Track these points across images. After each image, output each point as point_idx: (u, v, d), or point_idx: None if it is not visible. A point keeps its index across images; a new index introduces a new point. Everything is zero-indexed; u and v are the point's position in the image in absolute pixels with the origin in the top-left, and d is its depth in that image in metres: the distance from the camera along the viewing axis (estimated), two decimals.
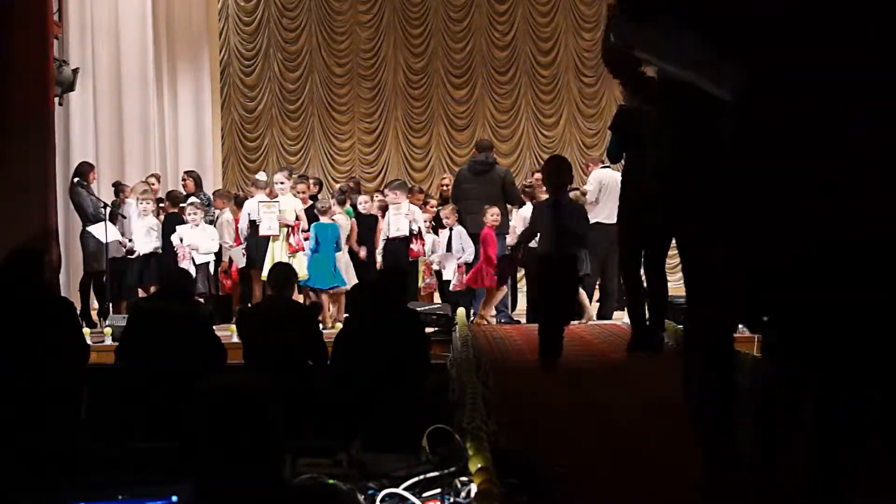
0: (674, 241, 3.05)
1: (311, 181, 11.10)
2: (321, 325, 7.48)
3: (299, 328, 5.79)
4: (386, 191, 10.09)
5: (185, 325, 5.50)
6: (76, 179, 9.85)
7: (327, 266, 9.32)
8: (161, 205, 10.31)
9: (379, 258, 9.33)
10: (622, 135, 6.40)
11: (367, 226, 9.96)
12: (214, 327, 6.18)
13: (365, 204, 9.99)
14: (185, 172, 11.28)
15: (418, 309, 7.31)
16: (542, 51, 16.14)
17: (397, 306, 5.59)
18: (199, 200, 10.18)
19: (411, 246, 9.28)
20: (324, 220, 9.49)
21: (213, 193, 10.95)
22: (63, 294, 9.61)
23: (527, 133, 16.13)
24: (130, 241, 9.71)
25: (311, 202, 10.13)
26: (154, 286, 9.18)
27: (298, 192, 9.93)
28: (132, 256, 9.64)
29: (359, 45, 16.07)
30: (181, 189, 10.81)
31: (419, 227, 9.35)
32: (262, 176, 10.08)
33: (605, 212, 8.84)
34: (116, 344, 6.16)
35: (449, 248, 9.54)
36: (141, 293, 9.48)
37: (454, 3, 16.08)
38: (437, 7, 16.09)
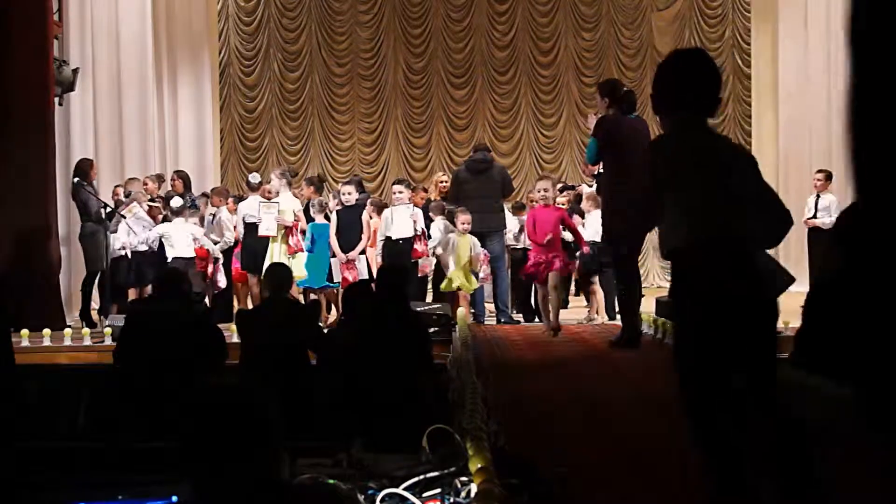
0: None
1: (322, 184, 10.93)
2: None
3: (302, 327, 5.78)
4: (394, 188, 9.85)
5: (182, 323, 5.50)
6: (76, 179, 9.82)
7: (321, 266, 9.32)
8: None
9: (379, 258, 9.29)
10: (604, 143, 6.90)
11: (347, 218, 9.45)
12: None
13: (347, 195, 9.46)
14: (175, 172, 11.21)
15: (418, 309, 7.30)
16: (542, 51, 16.15)
17: (397, 305, 5.57)
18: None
19: (415, 246, 9.24)
20: (319, 219, 9.48)
21: (211, 191, 10.93)
22: (63, 294, 9.67)
23: (527, 133, 16.14)
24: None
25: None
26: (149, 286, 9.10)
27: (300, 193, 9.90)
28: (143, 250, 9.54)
29: (359, 45, 16.08)
30: (171, 189, 10.76)
31: (422, 228, 9.31)
32: (254, 178, 10.05)
33: None
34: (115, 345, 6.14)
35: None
36: (132, 294, 9.44)
37: (454, 3, 16.08)
38: (437, 7, 16.10)
